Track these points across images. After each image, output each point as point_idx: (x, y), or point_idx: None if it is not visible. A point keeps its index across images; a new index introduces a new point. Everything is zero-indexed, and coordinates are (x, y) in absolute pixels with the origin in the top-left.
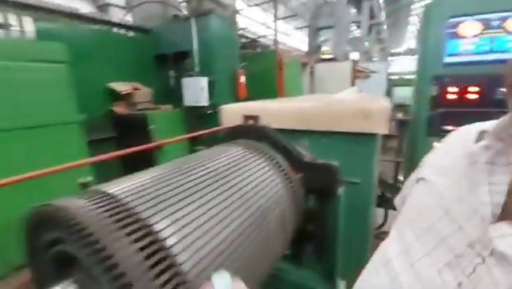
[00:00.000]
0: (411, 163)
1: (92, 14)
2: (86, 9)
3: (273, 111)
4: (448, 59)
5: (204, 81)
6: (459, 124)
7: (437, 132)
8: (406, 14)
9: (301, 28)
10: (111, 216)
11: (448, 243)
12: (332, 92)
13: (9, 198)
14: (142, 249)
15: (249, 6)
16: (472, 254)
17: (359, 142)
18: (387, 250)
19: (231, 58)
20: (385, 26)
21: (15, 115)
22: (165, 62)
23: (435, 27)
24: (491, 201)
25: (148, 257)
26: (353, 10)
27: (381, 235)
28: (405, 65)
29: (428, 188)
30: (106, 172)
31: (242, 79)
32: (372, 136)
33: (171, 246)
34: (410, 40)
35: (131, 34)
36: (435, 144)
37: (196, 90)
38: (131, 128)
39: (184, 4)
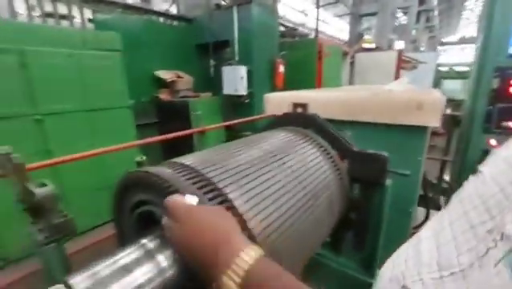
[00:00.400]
0: (461, 162)
1: (139, 3)
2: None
3: (319, 101)
4: None
5: (243, 70)
6: None
7: (495, 128)
8: (461, 0)
9: (340, 16)
10: (194, 183)
11: (476, 231)
12: (374, 83)
13: (73, 170)
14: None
15: None
16: (489, 238)
17: (408, 135)
18: (421, 231)
19: (270, 47)
20: (436, 13)
21: (79, 98)
22: (206, 51)
23: (500, 14)
24: None
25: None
26: None
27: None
28: (458, 56)
29: (477, 177)
30: (148, 153)
31: (281, 68)
32: (423, 129)
33: (244, 213)
34: (465, 28)
35: (175, 23)
36: (492, 141)
37: (235, 79)
38: (173, 114)
39: None
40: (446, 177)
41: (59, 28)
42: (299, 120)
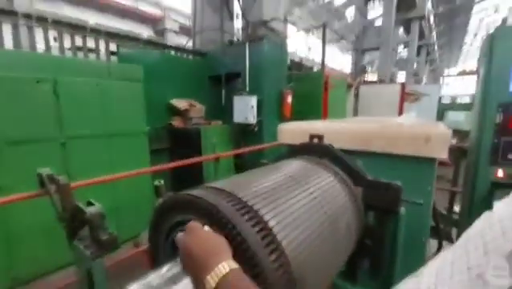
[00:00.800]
0: (471, 194)
1: (157, 39)
2: (146, 32)
3: (331, 131)
4: None
5: (253, 100)
6: None
7: (502, 160)
8: (461, 35)
9: (343, 52)
10: (233, 205)
11: (470, 274)
12: (378, 115)
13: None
14: (258, 232)
15: (298, 30)
16: (476, 282)
17: (417, 166)
18: (426, 265)
19: (279, 79)
20: (436, 47)
21: (99, 124)
22: (218, 82)
23: (501, 54)
24: None
25: (263, 238)
26: (401, 31)
27: None
28: (459, 88)
29: (488, 216)
30: (157, 177)
31: (289, 99)
32: (431, 160)
33: (277, 233)
34: (465, 61)
35: (190, 57)
36: (499, 172)
37: (245, 108)
38: (185, 140)
39: (239, 31)
40: (456, 208)
41: (88, 60)
42: (315, 149)
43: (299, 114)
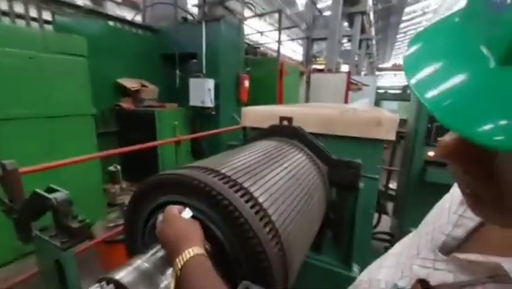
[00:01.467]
0: (408, 171)
1: (95, 7)
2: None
3: (295, 116)
4: None
5: (211, 83)
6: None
7: (433, 142)
8: (394, 32)
9: (293, 39)
10: (225, 183)
11: (415, 260)
12: (327, 102)
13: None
14: (247, 202)
15: (255, 15)
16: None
17: (370, 146)
18: (394, 246)
19: (236, 63)
20: (374, 42)
21: (37, 104)
22: (171, 62)
23: None
24: (450, 232)
25: (251, 207)
26: (345, 24)
27: (375, 235)
28: (391, 80)
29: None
30: (106, 164)
31: (246, 83)
32: (381, 141)
33: (268, 208)
34: (396, 57)
35: (140, 32)
36: (430, 153)
37: (202, 91)
38: (136, 124)
39: (194, 8)
40: (391, 185)
41: (17, 27)
42: (285, 131)
43: (256, 99)
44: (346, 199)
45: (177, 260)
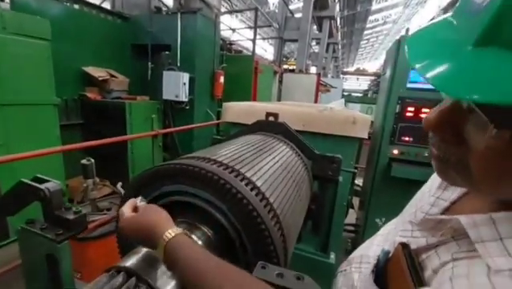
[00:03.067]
0: (374, 168)
1: None
2: None
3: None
4: (410, 85)
5: (186, 76)
6: (414, 136)
7: (398, 141)
8: (358, 39)
9: (264, 38)
10: (224, 169)
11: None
12: (299, 101)
13: None
14: (251, 190)
15: (231, 11)
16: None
17: (345, 143)
18: (384, 227)
19: (211, 58)
20: (340, 46)
21: None
22: (142, 52)
23: (404, 58)
24: (428, 211)
25: (256, 195)
26: (314, 27)
27: (345, 226)
28: (354, 84)
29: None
30: (68, 159)
31: (221, 79)
32: (355, 139)
33: (265, 191)
34: (359, 62)
35: (109, 18)
36: (394, 151)
37: (177, 84)
38: (104, 116)
39: None
40: (356, 181)
41: None
42: (270, 127)
43: (230, 95)
44: (326, 191)
45: (161, 241)
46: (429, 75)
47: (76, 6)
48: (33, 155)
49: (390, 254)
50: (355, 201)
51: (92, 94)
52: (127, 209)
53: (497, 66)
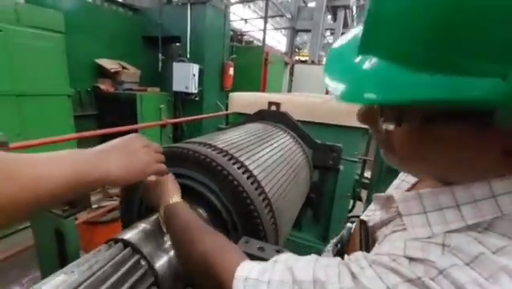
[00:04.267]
0: (381, 160)
1: None
2: None
3: (281, 102)
4: None
5: (196, 68)
6: None
7: None
8: None
9: (277, 29)
10: (219, 153)
11: None
12: (309, 92)
13: None
14: (243, 173)
15: (241, 1)
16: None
17: (349, 133)
18: None
19: (221, 49)
20: None
21: (5, 80)
22: (153, 44)
23: None
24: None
25: (248, 178)
26: (329, 17)
27: (349, 219)
28: None
29: None
30: (85, 146)
31: (231, 71)
32: (360, 129)
33: (261, 180)
34: None
35: (120, 10)
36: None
37: (186, 76)
38: (116, 107)
39: None
40: (366, 174)
41: None
42: (272, 116)
43: (240, 86)
44: (327, 180)
45: (162, 206)
46: (338, 93)
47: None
48: (48, 142)
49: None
50: (364, 194)
51: (105, 85)
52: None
53: (371, 72)
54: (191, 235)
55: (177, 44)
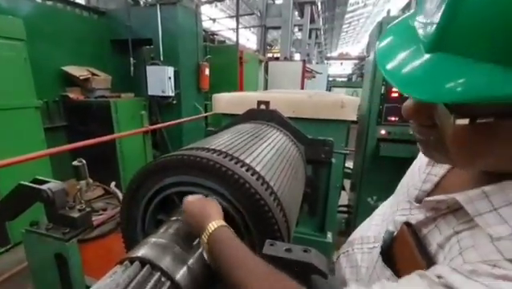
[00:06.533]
0: (364, 150)
1: None
2: None
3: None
4: None
5: (170, 70)
6: (399, 116)
7: (384, 122)
8: (340, 23)
9: (246, 27)
10: (224, 157)
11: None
12: (285, 88)
13: None
14: (247, 170)
15: (211, 1)
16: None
17: (335, 127)
18: (378, 208)
19: (195, 50)
20: (322, 32)
21: None
22: (123, 48)
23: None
24: (421, 187)
25: (252, 174)
26: (296, 13)
27: (339, 208)
28: (337, 69)
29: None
30: (55, 162)
31: (206, 71)
32: (345, 122)
33: (260, 170)
34: (342, 46)
35: (85, 14)
36: (382, 131)
37: (162, 79)
38: (89, 116)
39: None
40: (346, 164)
41: None
42: (263, 115)
43: (216, 87)
44: (321, 174)
45: (205, 233)
46: (397, 82)
47: (49, 3)
48: (18, 160)
49: (394, 234)
50: (347, 183)
51: (74, 94)
52: (192, 197)
53: (446, 69)
54: (244, 278)
55: (149, 47)
